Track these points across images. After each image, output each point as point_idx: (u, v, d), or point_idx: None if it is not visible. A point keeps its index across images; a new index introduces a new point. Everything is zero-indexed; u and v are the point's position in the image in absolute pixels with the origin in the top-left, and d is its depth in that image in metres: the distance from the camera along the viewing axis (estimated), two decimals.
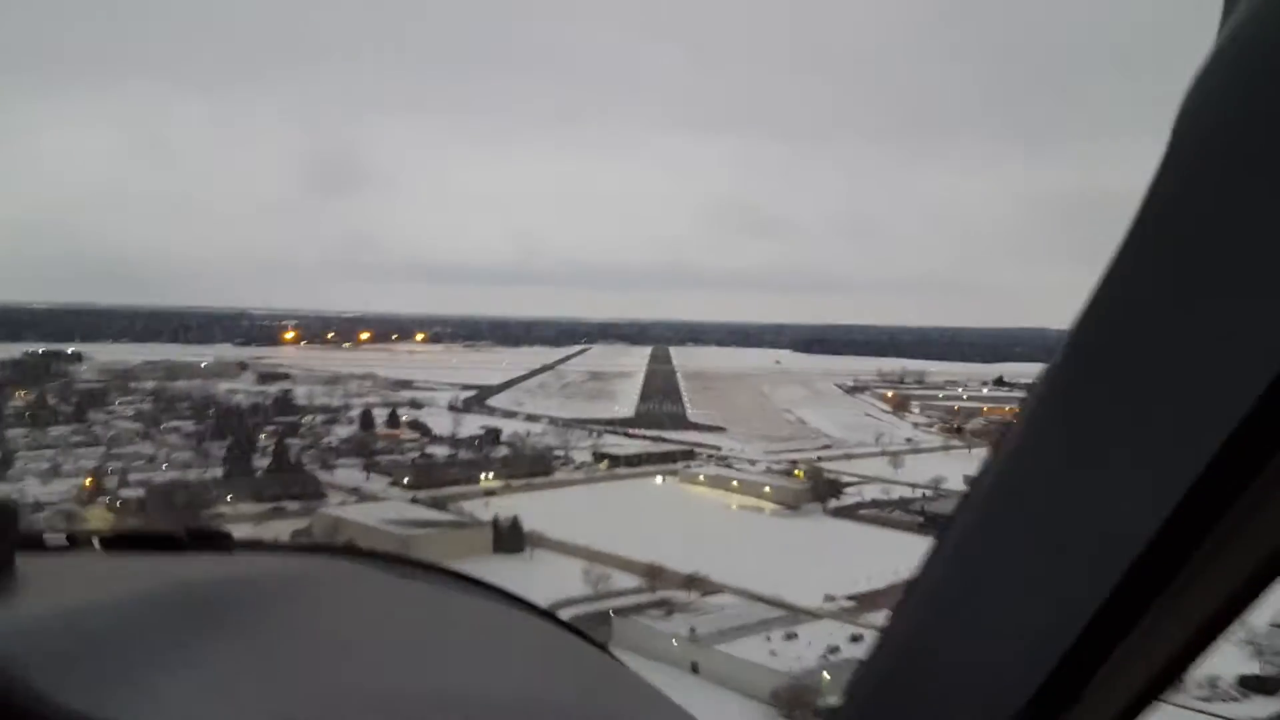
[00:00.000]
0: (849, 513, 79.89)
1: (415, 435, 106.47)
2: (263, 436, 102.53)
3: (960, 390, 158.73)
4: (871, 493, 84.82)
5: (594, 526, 70.78)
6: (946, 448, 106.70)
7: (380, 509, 69.41)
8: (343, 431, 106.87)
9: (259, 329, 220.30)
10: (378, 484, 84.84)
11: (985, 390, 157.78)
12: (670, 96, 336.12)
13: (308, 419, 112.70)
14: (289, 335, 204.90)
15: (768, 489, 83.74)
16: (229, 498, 74.06)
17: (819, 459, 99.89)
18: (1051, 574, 0.65)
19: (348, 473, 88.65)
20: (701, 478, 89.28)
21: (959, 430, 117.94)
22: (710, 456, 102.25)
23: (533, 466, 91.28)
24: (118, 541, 1.17)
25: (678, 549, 66.65)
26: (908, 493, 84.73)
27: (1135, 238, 0.63)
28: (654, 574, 60.40)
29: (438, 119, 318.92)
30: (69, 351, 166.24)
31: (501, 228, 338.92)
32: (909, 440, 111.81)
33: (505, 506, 76.53)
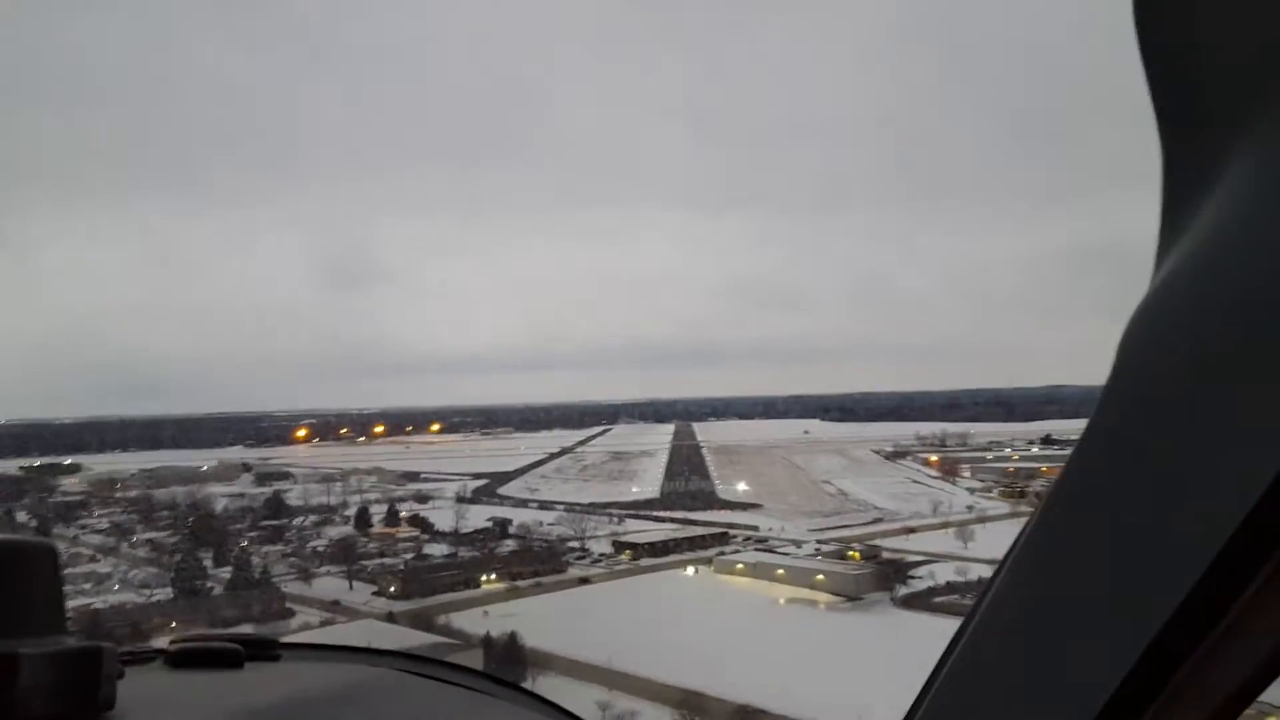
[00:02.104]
0: (922, 602, 63.49)
1: (414, 533, 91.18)
2: (244, 543, 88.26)
3: (1008, 450, 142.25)
4: (944, 574, 68.30)
5: (614, 637, 55.01)
6: (1015, 514, 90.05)
7: (346, 632, 53.94)
8: (335, 532, 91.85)
9: (274, 430, 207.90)
10: (361, 594, 69.46)
11: (1035, 449, 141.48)
12: (678, 175, 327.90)
13: (298, 520, 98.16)
14: (300, 434, 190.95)
15: (821, 576, 67.60)
16: (173, 624, 58.90)
17: (873, 536, 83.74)
18: (1094, 626, 0.66)
19: (330, 582, 73.41)
20: (740, 566, 73.19)
21: (1023, 494, 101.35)
22: (747, 539, 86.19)
23: (543, 563, 75.67)
24: (180, 658, 1.20)
25: (721, 664, 50.87)
26: (988, 571, 68.24)
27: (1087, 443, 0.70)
28: (693, 706, 44.53)
29: (448, 214, 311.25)
30: (67, 463, 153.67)
31: (518, 316, 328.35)
32: (970, 508, 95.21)
33: (507, 615, 61.06)
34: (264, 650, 1.31)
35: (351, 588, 70.99)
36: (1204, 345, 0.61)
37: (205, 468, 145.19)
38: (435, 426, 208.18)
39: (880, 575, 67.73)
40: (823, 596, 65.86)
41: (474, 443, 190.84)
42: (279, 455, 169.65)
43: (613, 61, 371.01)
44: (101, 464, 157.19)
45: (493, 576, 71.99)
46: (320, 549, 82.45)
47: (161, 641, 1.34)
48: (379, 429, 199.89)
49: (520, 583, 71.21)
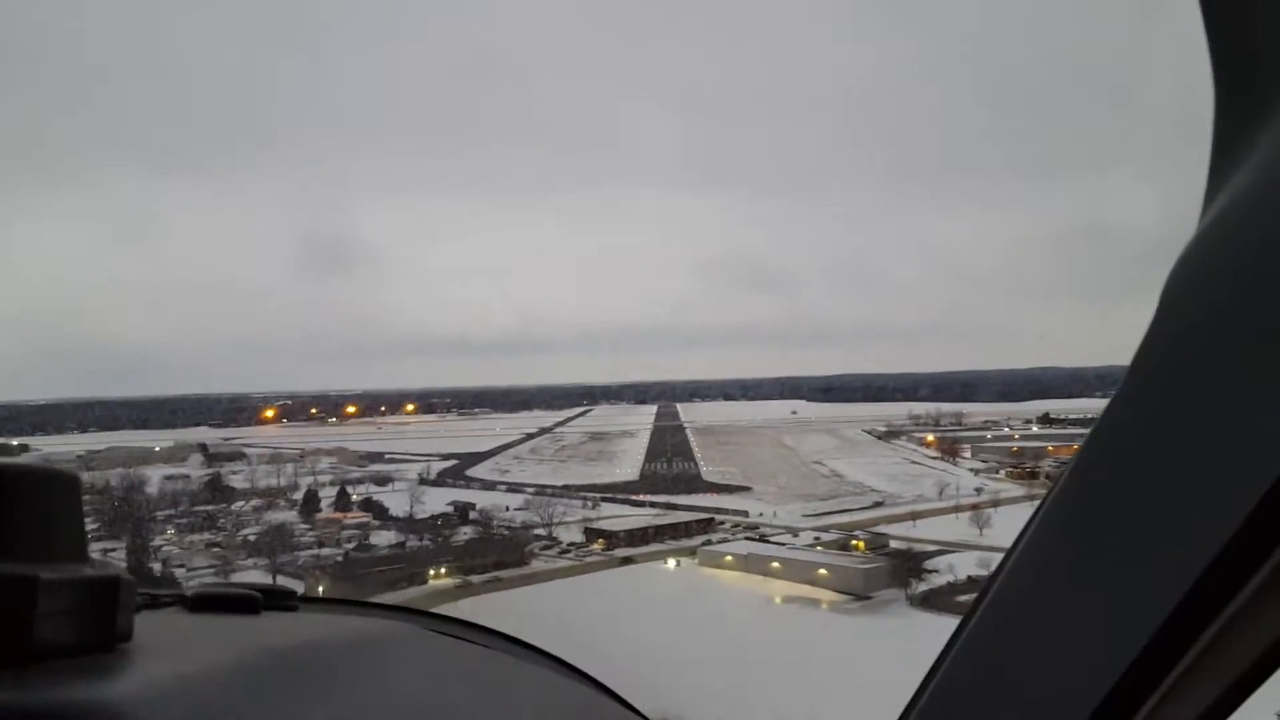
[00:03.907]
0: (944, 601, 52.31)
1: (364, 518, 79.66)
2: (169, 531, 76.70)
3: (1007, 429, 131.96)
4: (965, 566, 57.11)
5: (577, 646, 43.29)
6: (1030, 497, 79.15)
7: None
8: (277, 517, 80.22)
9: (245, 411, 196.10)
10: None
11: (1035, 428, 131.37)
12: (661, 154, 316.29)
13: (238, 505, 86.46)
14: (269, 414, 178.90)
15: (823, 571, 56.46)
16: None
17: (876, 522, 72.79)
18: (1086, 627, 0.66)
19: (253, 577, 61.81)
20: (729, 558, 61.88)
21: (1034, 474, 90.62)
22: (736, 526, 75.08)
23: (503, 554, 64.22)
24: (198, 602, 1.21)
25: (706, 682, 39.80)
26: None
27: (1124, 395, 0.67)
28: None
29: (428, 193, 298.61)
30: (14, 444, 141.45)
31: (500, 298, 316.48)
32: (979, 490, 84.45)
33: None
34: (282, 600, 1.31)
35: (274, 584, 59.43)
36: (1250, 289, 0.58)
37: (158, 448, 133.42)
38: (410, 407, 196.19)
39: (892, 569, 56.73)
40: (826, 594, 54.82)
41: (449, 423, 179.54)
42: (243, 436, 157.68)
43: (594, 37, 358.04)
44: (52, 445, 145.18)
45: (443, 570, 60.60)
46: (251, 538, 70.75)
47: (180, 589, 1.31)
48: (351, 409, 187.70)
49: (474, 577, 59.83)
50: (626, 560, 64.76)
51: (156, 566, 61.89)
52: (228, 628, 1.14)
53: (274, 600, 1.27)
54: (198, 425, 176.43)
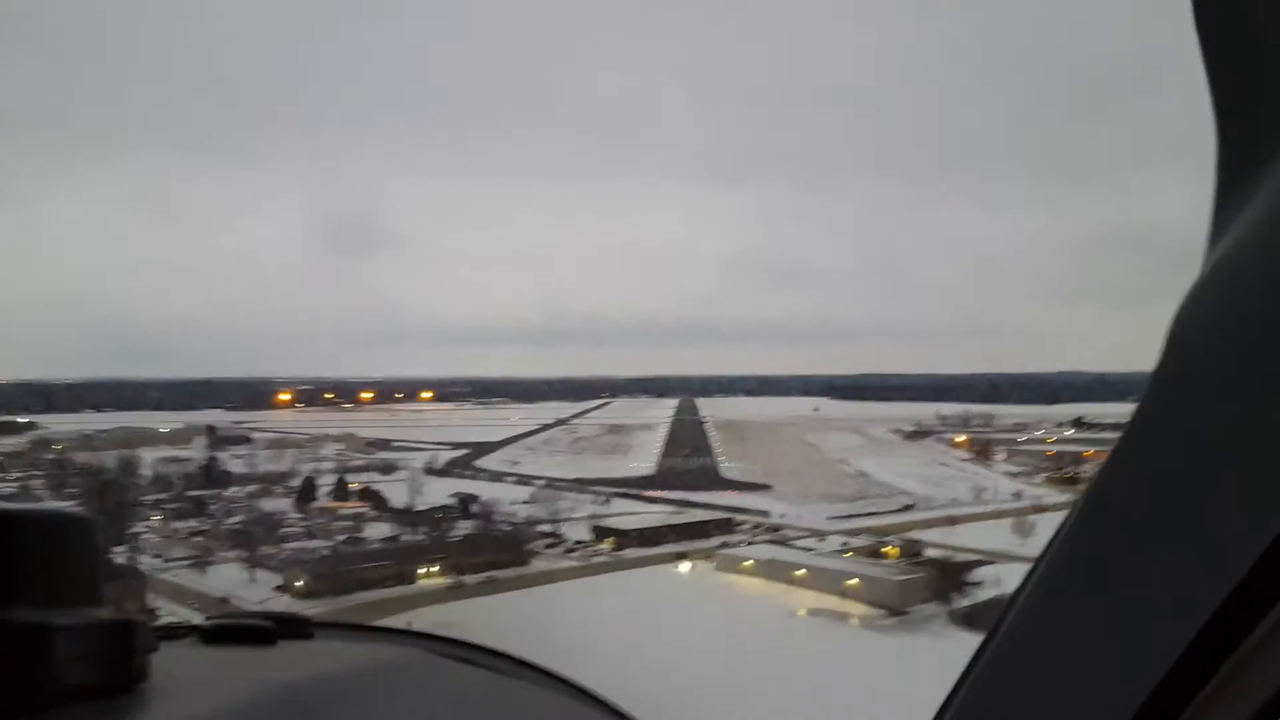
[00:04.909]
0: (991, 619, 45.83)
1: (361, 509, 74.00)
2: (154, 518, 71.44)
3: (1039, 433, 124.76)
4: (1014, 580, 50.01)
5: (571, 666, 37.65)
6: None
7: None
8: (269, 506, 74.78)
9: (262, 395, 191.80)
10: (262, 589, 52.30)
11: (1069, 432, 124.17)
12: (688, 147, 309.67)
13: (232, 491, 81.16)
14: (284, 398, 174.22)
15: (854, 581, 50.05)
16: None
17: (908, 527, 66.22)
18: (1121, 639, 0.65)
19: (232, 571, 56.38)
20: (748, 563, 55.58)
21: (1074, 481, 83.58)
22: (756, 527, 68.71)
23: (501, 552, 58.28)
24: (213, 634, 1.20)
25: (723, 708, 33.80)
26: None
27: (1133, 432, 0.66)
28: None
29: (452, 182, 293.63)
30: (23, 422, 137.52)
31: (522, 289, 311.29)
32: (1017, 495, 77.65)
33: (439, 626, 43.73)
34: (296, 629, 1.29)
35: (254, 580, 53.86)
36: (1260, 326, 0.58)
37: (165, 430, 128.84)
38: (427, 394, 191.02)
39: (930, 581, 50.24)
40: (856, 608, 48.46)
41: (466, 412, 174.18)
42: (255, 420, 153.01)
43: (622, 27, 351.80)
44: (63, 424, 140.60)
45: (435, 569, 54.74)
46: (237, 527, 65.19)
47: (195, 618, 1.32)
48: (366, 395, 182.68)
49: (468, 578, 53.93)
50: (680, 556, 58.82)
51: (129, 556, 56.47)
52: (243, 661, 1.11)
53: (288, 628, 1.25)
54: (215, 408, 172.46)
